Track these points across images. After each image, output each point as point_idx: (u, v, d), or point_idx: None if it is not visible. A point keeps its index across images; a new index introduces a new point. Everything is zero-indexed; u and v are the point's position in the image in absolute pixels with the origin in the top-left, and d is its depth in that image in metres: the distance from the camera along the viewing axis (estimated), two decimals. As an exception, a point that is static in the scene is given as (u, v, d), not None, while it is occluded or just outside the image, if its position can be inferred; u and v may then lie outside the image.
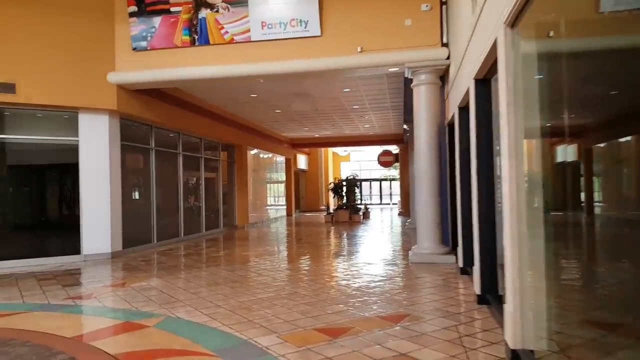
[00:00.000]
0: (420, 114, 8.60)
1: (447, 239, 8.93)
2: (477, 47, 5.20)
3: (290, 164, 23.69)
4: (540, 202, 3.81)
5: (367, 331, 4.38)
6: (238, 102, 13.44)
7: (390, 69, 8.84)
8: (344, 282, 6.60)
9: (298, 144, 23.93)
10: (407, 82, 9.91)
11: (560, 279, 3.74)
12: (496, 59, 4.65)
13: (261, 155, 19.27)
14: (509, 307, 3.82)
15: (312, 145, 24.96)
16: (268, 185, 20.46)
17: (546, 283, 3.66)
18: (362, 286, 6.31)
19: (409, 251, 8.88)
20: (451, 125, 9.05)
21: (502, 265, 5.36)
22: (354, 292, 5.94)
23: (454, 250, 8.63)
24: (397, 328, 4.48)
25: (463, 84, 6.52)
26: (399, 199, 31.18)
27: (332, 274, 7.31)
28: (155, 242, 11.13)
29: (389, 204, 34.79)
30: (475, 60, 5.32)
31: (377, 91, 12.49)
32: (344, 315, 4.93)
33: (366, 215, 20.15)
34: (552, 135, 3.74)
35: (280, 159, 22.38)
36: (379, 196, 35.66)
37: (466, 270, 7.09)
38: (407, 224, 16.13)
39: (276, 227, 17.53)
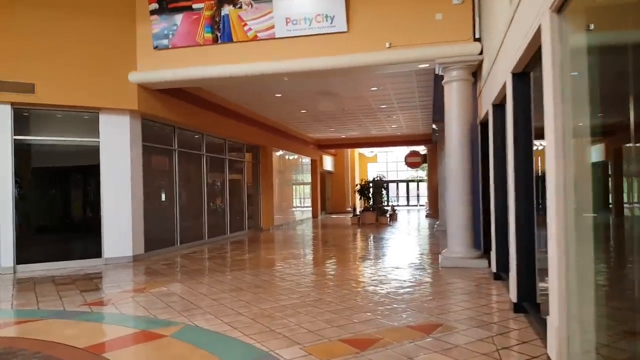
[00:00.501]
0: (452, 112, 8.19)
1: (479, 243, 8.50)
2: (515, 38, 4.81)
3: (316, 165, 23.43)
4: (589, 205, 3.42)
5: (397, 343, 4.05)
6: (263, 102, 13.24)
7: (420, 66, 8.45)
8: (371, 288, 6.26)
9: (324, 145, 23.66)
10: (438, 79, 9.51)
11: (607, 286, 3.36)
12: (537, 49, 4.27)
13: (287, 157, 19.07)
14: (553, 319, 3.44)
15: (338, 146, 24.66)
16: (294, 186, 20.24)
17: (595, 292, 3.29)
18: (390, 292, 5.96)
19: (439, 255, 8.48)
20: (484, 124, 8.62)
21: (541, 271, 4.98)
22: (382, 299, 5.60)
23: (486, 254, 8.20)
24: (429, 339, 4.13)
25: (498, 80, 6.11)
26: (426, 200, 30.62)
27: (359, 279, 6.98)
28: (178, 244, 10.99)
29: (416, 205, 34.18)
30: (513, 52, 4.93)
31: (405, 89, 12.10)
32: (371, 324, 4.61)
33: (393, 217, 19.71)
34: (603, 134, 3.36)
35: (306, 160, 22.14)
36: (406, 197, 35.08)
37: (500, 276, 6.68)
38: (435, 226, 15.65)
39: (302, 229, 17.28)
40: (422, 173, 33.17)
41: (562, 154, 3.40)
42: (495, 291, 6.03)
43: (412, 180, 34.92)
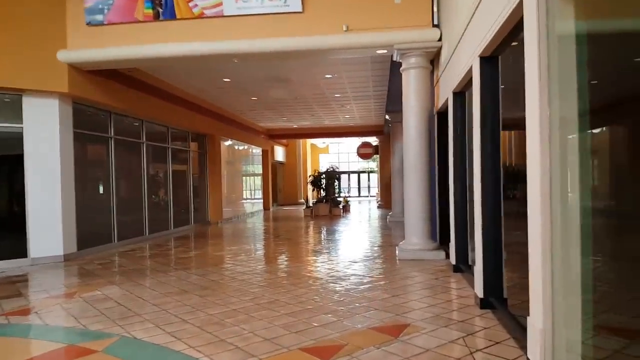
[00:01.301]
0: (410, 100, 7.85)
1: (435, 234, 8.26)
2: (485, 19, 4.45)
3: (267, 155, 22.76)
4: (576, 199, 3.10)
5: (363, 349, 3.63)
6: (210, 88, 12.47)
7: (378, 51, 8.05)
8: (329, 286, 5.81)
9: (275, 135, 23.01)
10: (395, 67, 9.17)
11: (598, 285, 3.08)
12: (511, 30, 3.94)
13: (236, 147, 18.30)
14: (536, 322, 3.12)
15: (290, 136, 24.08)
16: (244, 178, 19.51)
17: (583, 291, 2.99)
18: (350, 289, 5.54)
19: (396, 247, 8.17)
20: (441, 113, 8.36)
21: (508, 266, 4.71)
22: (341, 298, 5.16)
23: (442, 246, 7.97)
24: (397, 343, 3.74)
25: (462, 65, 5.79)
26: (377, 191, 30.66)
27: (316, 276, 6.52)
28: (115, 241, 10.12)
29: (367, 196, 34.22)
30: (482, 34, 4.57)
31: (360, 78, 11.71)
32: (333, 327, 4.15)
33: (346, 208, 19.44)
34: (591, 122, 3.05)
35: (257, 150, 21.43)
36: (357, 189, 35.05)
37: (459, 268, 6.45)
38: (388, 217, 15.47)
39: (253, 222, 16.65)
40: (372, 164, 33.21)
41: (548, 142, 3.06)
42: (457, 285, 5.75)
43: (363, 172, 34.91)
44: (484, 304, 4.67)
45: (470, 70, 5.15)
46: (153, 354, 3.75)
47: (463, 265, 6.38)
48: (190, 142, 14.51)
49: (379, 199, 25.18)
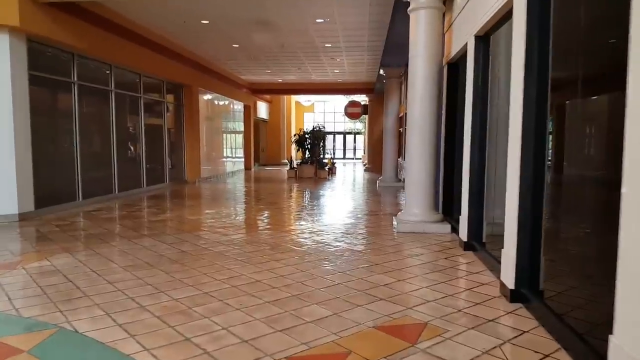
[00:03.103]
0: (418, 48, 6.80)
1: (437, 205, 7.41)
2: None
3: (249, 112, 21.51)
4: None
5: (372, 361, 2.75)
6: (187, 31, 11.14)
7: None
8: (320, 264, 4.93)
9: (258, 90, 21.70)
10: (398, 9, 8.04)
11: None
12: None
13: (216, 101, 17.05)
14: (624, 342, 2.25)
15: (274, 91, 22.81)
16: (224, 135, 18.35)
17: None
18: (345, 270, 4.66)
19: (394, 218, 7.31)
20: (452, 65, 7.35)
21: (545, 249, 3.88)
22: (336, 281, 4.29)
23: (447, 217, 7.14)
24: (418, 355, 2.86)
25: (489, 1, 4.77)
26: (364, 153, 29.77)
27: (304, 250, 5.62)
28: (80, 199, 9.05)
29: (352, 158, 33.34)
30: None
31: (355, 24, 10.53)
32: (329, 325, 3.27)
33: (332, 171, 18.53)
34: None
35: (239, 106, 20.15)
36: (342, 150, 34.07)
37: (472, 246, 5.60)
38: (378, 181, 14.63)
39: (233, 182, 15.65)
40: (359, 125, 32.16)
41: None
42: (473, 267, 4.91)
43: (349, 133, 33.87)
44: (514, 296, 3.83)
45: (508, 3, 4.13)
46: (93, 357, 2.84)
47: (476, 243, 5.55)
48: (166, 94, 13.25)
49: (366, 162, 24.32)
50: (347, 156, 33.82)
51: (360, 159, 31.57)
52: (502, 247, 4.09)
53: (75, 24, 8.31)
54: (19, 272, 4.53)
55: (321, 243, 5.98)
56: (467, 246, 5.68)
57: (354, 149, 34.20)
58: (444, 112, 7.38)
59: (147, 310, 3.54)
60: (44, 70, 8.12)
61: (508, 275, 3.90)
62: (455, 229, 6.68)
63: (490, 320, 3.44)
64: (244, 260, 5.03)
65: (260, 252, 5.45)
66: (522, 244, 3.79)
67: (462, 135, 7.15)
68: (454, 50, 6.88)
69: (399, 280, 4.35)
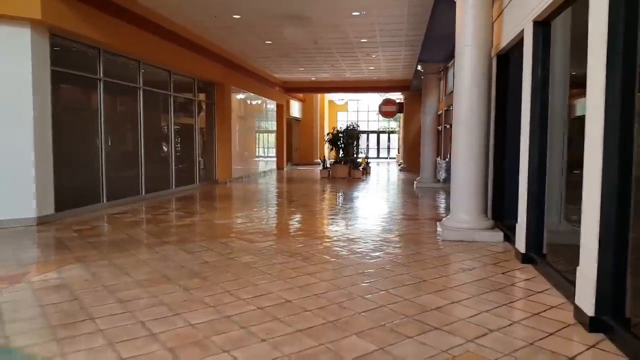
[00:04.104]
0: (465, 38, 6.09)
1: (487, 209, 6.66)
2: None
3: (282, 110, 21.04)
4: None
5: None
6: (218, 26, 10.69)
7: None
8: (359, 279, 4.30)
9: (291, 88, 21.22)
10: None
11: None
12: None
13: (248, 100, 16.64)
14: None
15: (307, 89, 22.30)
16: (256, 134, 17.94)
17: None
18: (389, 289, 4.01)
19: (438, 224, 6.62)
20: (502, 57, 6.61)
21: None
22: (378, 302, 3.64)
23: (497, 223, 6.40)
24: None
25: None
26: (398, 153, 28.92)
27: (340, 262, 5.01)
28: (104, 201, 8.70)
29: (386, 157, 32.52)
30: None
31: (393, 17, 9.84)
32: (375, 364, 2.66)
33: (366, 170, 17.86)
34: None
35: (271, 105, 19.71)
36: (376, 150, 33.30)
37: (531, 258, 4.88)
38: (416, 182, 13.88)
39: (265, 182, 15.19)
40: (393, 124, 31.34)
41: None
42: (536, 285, 4.19)
43: (383, 132, 33.08)
44: (594, 324, 3.13)
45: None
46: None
47: (536, 255, 4.82)
48: (198, 92, 12.88)
49: (401, 161, 23.52)
50: (380, 155, 33.04)
51: (395, 158, 30.75)
52: (570, 262, 3.39)
53: (101, 17, 7.96)
54: (22, 287, 4.09)
55: (358, 253, 5.35)
56: (525, 258, 4.96)
57: (388, 148, 33.39)
58: (493, 107, 6.63)
59: (157, 340, 3.00)
60: (68, 66, 7.80)
61: (586, 299, 3.20)
62: (508, 237, 5.95)
63: (571, 358, 2.75)
64: (272, 274, 4.45)
65: (291, 263, 4.87)
66: (605, 263, 3.09)
67: (514, 133, 6.41)
68: (504, 40, 6.14)
69: (453, 302, 3.68)
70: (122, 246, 5.68)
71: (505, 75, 6.58)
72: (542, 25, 4.72)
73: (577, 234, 4.87)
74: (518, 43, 5.68)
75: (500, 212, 6.76)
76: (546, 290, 4.04)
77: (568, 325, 3.24)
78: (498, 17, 6.34)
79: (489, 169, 6.62)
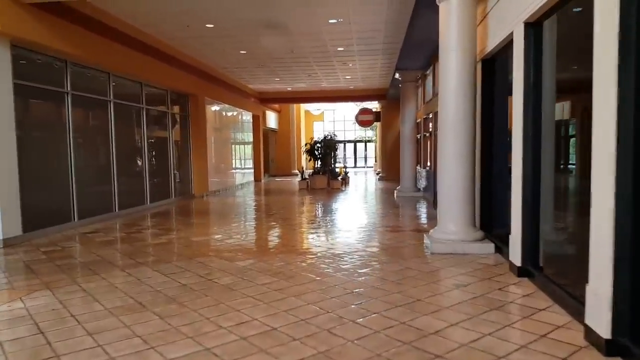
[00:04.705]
0: (450, 42, 5.95)
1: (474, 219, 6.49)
2: None
3: (258, 122, 20.74)
4: None
5: None
6: (190, 36, 10.38)
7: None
8: (350, 304, 4.03)
9: (267, 99, 20.95)
10: (422, 3, 7.22)
11: None
12: None
13: (224, 112, 16.30)
14: None
15: (283, 100, 22.06)
16: (232, 146, 17.58)
17: None
18: (381, 312, 3.75)
19: (425, 235, 6.42)
20: (487, 61, 6.49)
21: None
22: (372, 330, 3.37)
23: (488, 234, 6.24)
24: None
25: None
26: (375, 162, 28.84)
27: (326, 281, 4.74)
28: (76, 220, 8.25)
29: (363, 167, 32.46)
30: None
31: (371, 25, 9.71)
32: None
33: (345, 180, 17.65)
34: None
35: (247, 116, 19.39)
36: (353, 159, 33.23)
37: (527, 271, 4.69)
38: (396, 191, 13.73)
39: (242, 195, 14.83)
40: (369, 133, 31.33)
41: None
42: (535, 301, 3.99)
43: (360, 141, 33.05)
44: (611, 348, 2.91)
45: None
46: None
47: (532, 267, 4.65)
48: (171, 104, 12.50)
49: (379, 170, 23.43)
50: (358, 165, 32.98)
51: (372, 167, 30.71)
52: (569, 274, 3.19)
53: (68, 28, 7.60)
54: (-20, 320, 3.71)
55: (345, 270, 5.09)
56: (521, 272, 4.78)
57: (365, 157, 33.39)
58: (478, 113, 6.49)
59: (129, 380, 2.68)
60: (33, 79, 7.39)
61: (600, 319, 3.00)
62: (499, 249, 5.78)
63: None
64: (255, 297, 4.16)
65: (275, 284, 4.58)
66: (621, 281, 2.89)
67: (501, 139, 6.30)
68: (490, 43, 6.02)
69: (452, 325, 3.45)
70: (94, 269, 5.30)
71: (491, 79, 6.46)
72: (534, 27, 4.59)
73: (570, 243, 4.76)
74: (506, 46, 5.55)
75: (488, 221, 6.60)
76: (548, 307, 3.84)
77: (580, 349, 3.03)
78: (482, 20, 6.23)
79: (475, 177, 6.48)
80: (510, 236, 5.03)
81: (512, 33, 5.01)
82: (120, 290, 4.46)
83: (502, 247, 5.72)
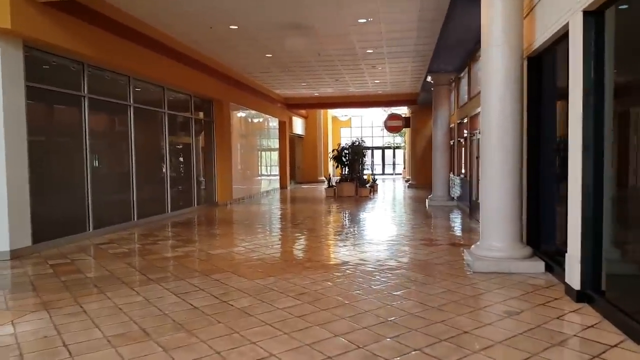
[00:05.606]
0: (493, 37, 5.33)
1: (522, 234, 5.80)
2: None
3: (284, 127, 20.32)
4: None
5: None
6: (214, 38, 9.98)
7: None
8: (385, 337, 3.45)
9: (294, 105, 20.53)
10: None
11: None
12: None
13: (249, 118, 15.93)
14: None
15: (310, 105, 21.63)
16: (258, 152, 17.19)
17: None
18: (422, 348, 3.15)
19: (466, 252, 5.77)
20: (533, 59, 5.82)
21: None
22: (414, 370, 2.80)
23: (536, 251, 5.55)
24: None
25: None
26: (404, 168, 28.08)
27: (356, 310, 4.16)
28: (91, 230, 7.88)
29: (392, 174, 31.70)
30: None
31: (402, 24, 9.12)
32: None
33: (374, 188, 17.03)
34: None
35: (273, 123, 18.99)
36: (381, 166, 32.52)
37: (588, 296, 4.01)
38: (428, 200, 13.04)
39: (267, 203, 14.36)
40: (398, 139, 30.61)
41: None
42: (601, 334, 3.34)
43: (388, 147, 32.32)
44: None
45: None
46: None
47: (593, 292, 3.97)
48: (194, 110, 12.15)
49: (409, 177, 22.70)
50: (386, 172, 32.24)
51: (401, 174, 29.96)
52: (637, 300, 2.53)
53: (85, 28, 7.27)
54: (-36, 348, 3.27)
55: (377, 292, 4.50)
56: (580, 296, 4.10)
57: (393, 164, 32.61)
58: (525, 116, 5.82)
59: None
60: (47, 81, 7.08)
61: None
62: (549, 267, 5.10)
63: None
64: (275, 325, 3.60)
65: (298, 308, 4.02)
66: None
67: (549, 146, 5.62)
68: (538, 39, 5.36)
69: (514, 370, 2.82)
70: (100, 286, 4.86)
71: (538, 79, 5.80)
72: (595, 16, 3.94)
73: (632, 262, 4.07)
74: (557, 41, 4.90)
75: (536, 236, 5.91)
76: (621, 342, 3.18)
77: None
78: (529, 13, 5.58)
79: (522, 187, 5.81)
80: (567, 255, 4.36)
81: (567, 24, 4.36)
82: (125, 313, 3.97)
83: (552, 265, 5.04)
